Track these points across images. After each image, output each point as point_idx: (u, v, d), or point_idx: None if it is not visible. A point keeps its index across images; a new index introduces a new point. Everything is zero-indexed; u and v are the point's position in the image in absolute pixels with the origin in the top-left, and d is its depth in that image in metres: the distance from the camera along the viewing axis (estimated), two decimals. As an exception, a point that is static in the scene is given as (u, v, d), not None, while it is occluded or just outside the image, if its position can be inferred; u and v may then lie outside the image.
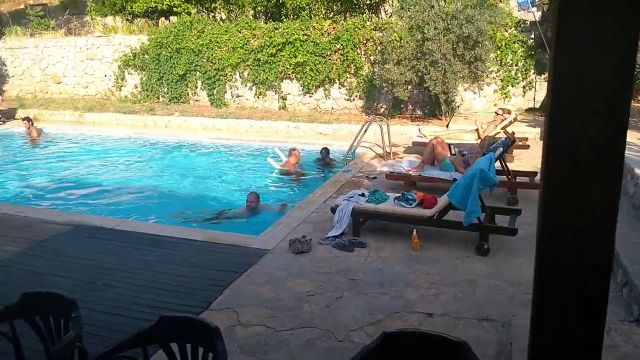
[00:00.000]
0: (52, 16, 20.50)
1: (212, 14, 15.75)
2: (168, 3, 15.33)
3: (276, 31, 12.83)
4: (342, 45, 12.22)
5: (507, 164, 6.73)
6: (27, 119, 12.30)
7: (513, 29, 11.45)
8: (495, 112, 8.98)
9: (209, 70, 13.60)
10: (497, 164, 5.89)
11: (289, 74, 12.97)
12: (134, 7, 15.99)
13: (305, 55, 12.46)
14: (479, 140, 8.32)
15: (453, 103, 11.31)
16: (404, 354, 1.91)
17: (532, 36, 11.35)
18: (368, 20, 12.59)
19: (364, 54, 12.35)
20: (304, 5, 13.83)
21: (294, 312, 3.83)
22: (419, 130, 9.27)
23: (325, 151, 9.18)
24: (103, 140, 12.10)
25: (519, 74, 11.50)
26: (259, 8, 15.12)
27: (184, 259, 4.84)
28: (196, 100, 14.26)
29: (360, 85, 12.39)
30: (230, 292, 4.18)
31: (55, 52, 16.10)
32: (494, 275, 4.33)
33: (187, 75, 13.95)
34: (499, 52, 11.34)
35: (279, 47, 12.69)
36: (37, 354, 2.55)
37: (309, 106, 13.09)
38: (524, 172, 6.86)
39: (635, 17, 1.19)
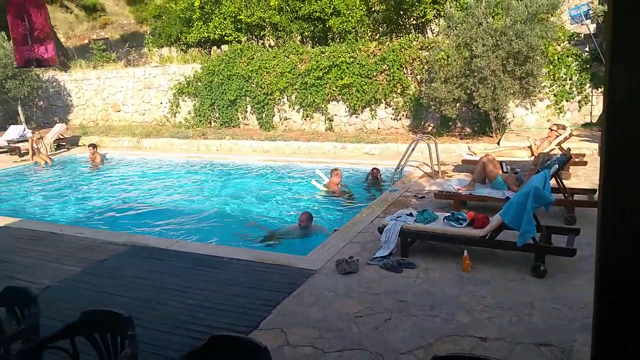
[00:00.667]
0: (113, 49, 21.90)
1: (262, 41, 16.28)
2: (220, 33, 16.00)
3: (323, 55, 13.07)
4: (388, 65, 12.27)
5: (564, 181, 6.45)
6: (93, 145, 13.07)
7: (566, 42, 11.10)
8: (550, 128, 8.66)
9: (258, 95, 14.00)
10: (553, 182, 5.66)
11: (335, 96, 13.13)
12: (188, 37, 16.83)
13: (352, 77, 12.59)
14: (533, 157, 8.04)
15: (504, 120, 11.04)
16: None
17: (587, 49, 10.95)
18: (414, 40, 12.59)
19: (411, 74, 12.32)
20: (350, 28, 14.03)
21: (342, 334, 3.80)
22: (469, 148, 9.07)
23: (376, 171, 9.15)
24: (159, 165, 12.65)
25: (574, 88, 11.08)
26: (306, 33, 15.49)
27: (234, 279, 4.92)
28: (246, 124, 14.67)
29: (407, 104, 12.34)
30: (279, 312, 4.20)
31: (116, 82, 17.11)
32: (551, 299, 4.13)
33: (238, 101, 14.42)
34: (551, 67, 11.01)
35: (326, 70, 12.90)
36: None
37: (356, 126, 13.16)
38: (582, 190, 6.56)
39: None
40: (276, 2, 14.74)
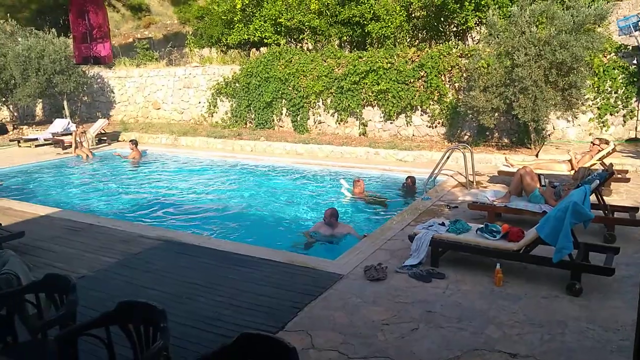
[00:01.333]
0: (156, 48, 22.55)
1: (300, 45, 16.43)
2: (260, 35, 16.24)
3: (360, 59, 13.07)
4: (426, 72, 12.16)
5: (604, 197, 6.24)
6: (134, 141, 13.47)
7: (613, 54, 10.73)
8: (592, 142, 8.39)
9: (294, 97, 14.12)
10: (593, 198, 5.48)
11: (370, 101, 13.11)
12: (228, 39, 17.16)
13: (388, 82, 12.54)
14: (572, 171, 7.81)
15: (543, 132, 10.77)
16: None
17: (635, 62, 10.55)
18: (454, 47, 12.44)
19: (449, 81, 12.17)
20: (389, 34, 13.99)
21: (367, 340, 3.78)
22: (506, 159, 8.88)
23: (411, 180, 9.07)
24: (194, 163, 12.92)
25: (619, 102, 10.69)
26: (345, 38, 15.53)
27: (262, 279, 4.98)
28: (280, 126, 14.81)
29: (444, 112, 12.20)
30: (305, 314, 4.22)
31: (157, 80, 17.60)
32: (586, 318, 3.99)
33: (274, 103, 14.58)
34: (596, 79, 10.66)
35: (362, 75, 12.89)
36: None
37: (390, 132, 13.09)
38: (623, 207, 6.32)
39: None
40: (316, 6, 14.85)
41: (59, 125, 16.15)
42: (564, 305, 4.23)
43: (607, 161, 7.92)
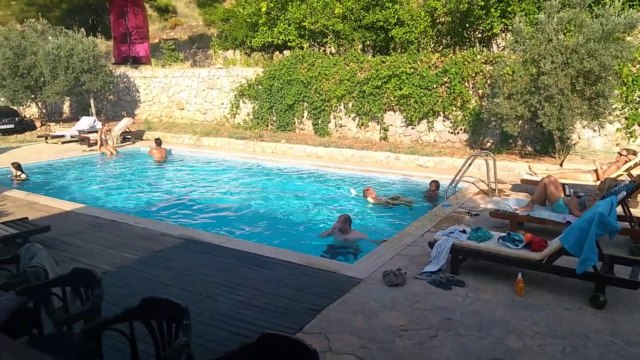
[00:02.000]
0: (181, 49, 22.87)
1: (323, 48, 16.48)
2: (283, 38, 16.35)
3: (383, 64, 13.05)
4: (449, 78, 12.08)
5: (631, 209, 6.09)
6: (159, 140, 13.68)
7: (643, 63, 10.49)
8: (619, 153, 8.20)
9: (316, 101, 14.17)
10: (619, 209, 5.36)
11: (392, 106, 13.07)
12: (252, 42, 17.31)
13: (411, 87, 12.49)
14: (598, 182, 7.65)
15: (568, 140, 10.57)
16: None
17: (666, 71, 10.30)
18: (479, 53, 12.32)
19: (472, 87, 12.06)
20: (413, 39, 13.93)
21: (385, 346, 3.77)
22: (529, 168, 8.74)
23: (435, 184, 9.02)
24: (216, 163, 13.05)
25: (648, 112, 10.44)
26: (368, 42, 15.53)
27: (282, 280, 5.00)
28: (301, 129, 14.87)
29: (466, 118, 12.08)
30: (323, 317, 4.23)
31: (181, 81, 17.85)
32: (609, 332, 3.91)
33: (295, 105, 14.65)
34: (624, 89, 10.43)
35: (385, 80, 12.87)
36: (147, 357, 2.79)
37: (411, 138, 13.02)
38: (651, 220, 6.15)
39: None
40: (341, 11, 14.88)
41: (85, 122, 16.52)
42: (587, 318, 4.15)
43: (634, 172, 7.73)
